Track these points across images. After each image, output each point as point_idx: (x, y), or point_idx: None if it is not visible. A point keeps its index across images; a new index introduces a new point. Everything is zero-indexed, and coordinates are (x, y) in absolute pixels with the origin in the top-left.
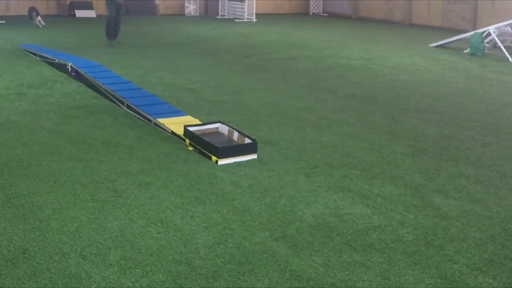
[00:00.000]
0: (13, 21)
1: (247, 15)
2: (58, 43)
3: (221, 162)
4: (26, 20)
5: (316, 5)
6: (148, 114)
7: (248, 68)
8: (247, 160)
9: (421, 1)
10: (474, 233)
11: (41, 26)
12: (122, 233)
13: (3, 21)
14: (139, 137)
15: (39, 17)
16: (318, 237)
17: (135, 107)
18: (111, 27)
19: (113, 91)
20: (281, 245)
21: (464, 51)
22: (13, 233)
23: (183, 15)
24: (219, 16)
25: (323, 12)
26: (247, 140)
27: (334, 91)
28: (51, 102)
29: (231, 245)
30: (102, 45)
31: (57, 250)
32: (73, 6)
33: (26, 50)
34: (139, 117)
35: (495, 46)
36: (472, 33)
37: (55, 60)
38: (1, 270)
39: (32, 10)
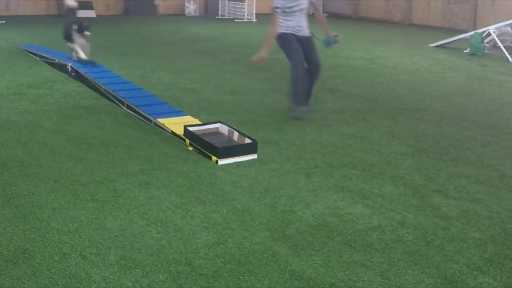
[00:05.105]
0: (13, 21)
1: (247, 15)
2: (58, 43)
3: (221, 162)
4: (26, 20)
5: None
6: (148, 114)
7: (248, 68)
8: (247, 160)
9: (421, 1)
10: (474, 233)
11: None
12: (122, 233)
13: (3, 21)
14: (139, 137)
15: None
16: (318, 237)
17: (135, 107)
18: (302, 83)
19: (113, 91)
20: (281, 245)
21: (464, 51)
22: (13, 233)
23: (183, 15)
24: (219, 16)
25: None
26: (247, 140)
27: (334, 91)
28: (51, 102)
29: (231, 245)
30: (102, 45)
31: (57, 250)
32: None
33: (26, 50)
34: (139, 117)
35: (495, 46)
36: (472, 33)
37: (55, 60)
38: (1, 270)
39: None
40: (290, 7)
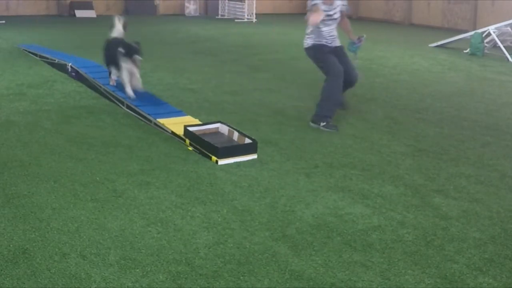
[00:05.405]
0: (13, 21)
1: (247, 15)
2: (58, 43)
3: (221, 162)
4: (26, 20)
5: None
6: (148, 114)
7: (248, 68)
8: (247, 160)
9: (421, 1)
10: (474, 233)
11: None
12: (122, 233)
13: (3, 21)
14: (139, 137)
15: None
16: (318, 237)
17: (135, 107)
18: (337, 97)
19: (113, 91)
20: (281, 245)
21: (464, 51)
22: (13, 233)
23: (183, 15)
24: (219, 16)
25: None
26: (247, 140)
27: None
28: (51, 102)
29: (231, 245)
30: (102, 45)
31: (57, 250)
32: (73, 6)
33: (26, 50)
34: (139, 117)
35: (495, 46)
36: (472, 33)
37: (55, 60)
38: (1, 270)
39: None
40: (330, 15)
